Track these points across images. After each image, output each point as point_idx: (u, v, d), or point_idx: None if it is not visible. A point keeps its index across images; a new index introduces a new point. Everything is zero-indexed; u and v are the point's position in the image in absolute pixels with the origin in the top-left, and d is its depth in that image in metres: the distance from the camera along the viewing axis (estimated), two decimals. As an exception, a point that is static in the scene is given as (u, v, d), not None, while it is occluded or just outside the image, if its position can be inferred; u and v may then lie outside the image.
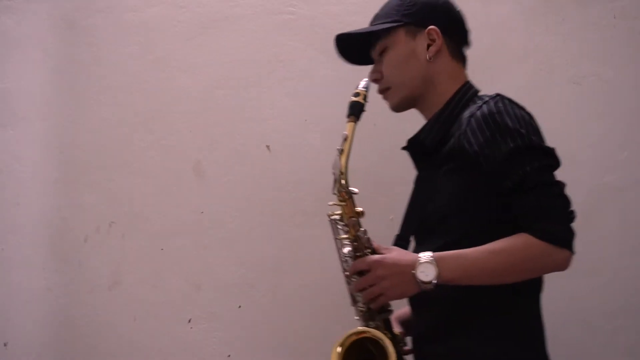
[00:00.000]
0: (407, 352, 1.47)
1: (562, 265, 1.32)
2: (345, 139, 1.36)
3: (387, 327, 1.41)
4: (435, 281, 1.27)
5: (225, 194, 2.02)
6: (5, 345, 2.02)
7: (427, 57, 1.46)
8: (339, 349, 1.32)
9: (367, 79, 1.47)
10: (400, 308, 1.54)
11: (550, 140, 1.96)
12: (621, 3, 1.99)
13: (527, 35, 2.00)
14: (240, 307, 1.99)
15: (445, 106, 1.46)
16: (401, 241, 1.47)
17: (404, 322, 1.55)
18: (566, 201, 1.33)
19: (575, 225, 1.94)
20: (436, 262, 1.28)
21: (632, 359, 1.90)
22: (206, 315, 1.99)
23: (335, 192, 1.37)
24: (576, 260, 1.93)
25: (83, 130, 2.07)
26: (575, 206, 1.93)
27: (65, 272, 2.03)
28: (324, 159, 1.97)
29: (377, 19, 1.53)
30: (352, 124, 1.39)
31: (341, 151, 1.35)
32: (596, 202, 1.95)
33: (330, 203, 1.40)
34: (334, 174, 1.36)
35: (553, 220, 1.29)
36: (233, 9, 2.07)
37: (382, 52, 1.50)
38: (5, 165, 2.07)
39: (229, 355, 1.98)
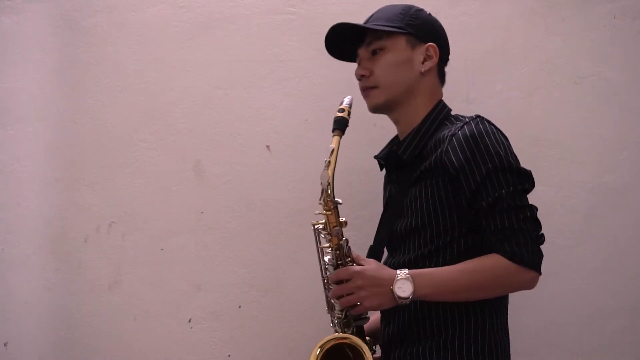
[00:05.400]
0: (377, 359, 1.56)
1: (529, 285, 1.41)
2: (332, 152, 1.42)
3: (359, 335, 1.47)
4: (411, 297, 1.34)
5: (225, 194, 2.02)
6: (5, 345, 2.02)
7: (422, 70, 1.53)
8: (317, 351, 1.39)
9: (350, 97, 1.52)
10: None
11: (550, 140, 1.97)
12: (621, 3, 1.99)
13: (527, 35, 2.00)
14: (240, 307, 1.99)
15: (422, 122, 1.53)
16: (374, 252, 1.55)
17: (370, 330, 1.60)
18: (536, 224, 1.40)
19: (575, 225, 1.95)
20: (413, 278, 1.35)
21: (632, 359, 1.90)
22: (206, 315, 1.99)
23: (322, 201, 1.44)
24: (576, 261, 1.94)
25: (83, 130, 2.07)
26: (575, 206, 1.95)
27: (65, 272, 2.03)
28: (324, 159, 1.98)
29: (378, 20, 1.56)
30: (338, 137, 1.45)
31: (328, 163, 1.41)
32: (596, 202, 1.95)
33: (317, 212, 1.46)
34: (321, 184, 1.41)
35: (522, 242, 1.35)
36: (233, 9, 2.07)
37: (376, 52, 1.55)
38: (5, 165, 2.07)
39: (229, 355, 1.98)
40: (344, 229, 1.45)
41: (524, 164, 1.46)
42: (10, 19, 2.11)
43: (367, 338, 1.52)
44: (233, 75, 2.05)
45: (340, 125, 1.46)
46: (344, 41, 1.60)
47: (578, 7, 2.00)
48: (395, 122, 1.61)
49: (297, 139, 2.02)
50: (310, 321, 1.94)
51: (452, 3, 2.02)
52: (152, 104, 2.06)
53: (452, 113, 1.57)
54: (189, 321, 1.99)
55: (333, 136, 1.46)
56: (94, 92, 2.08)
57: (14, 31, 2.10)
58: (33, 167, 2.07)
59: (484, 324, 1.42)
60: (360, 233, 1.89)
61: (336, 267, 1.43)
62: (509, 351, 1.48)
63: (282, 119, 2.03)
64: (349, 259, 1.43)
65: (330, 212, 1.44)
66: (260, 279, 1.99)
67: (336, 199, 1.43)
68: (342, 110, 1.48)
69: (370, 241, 1.60)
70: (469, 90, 1.99)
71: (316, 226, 1.50)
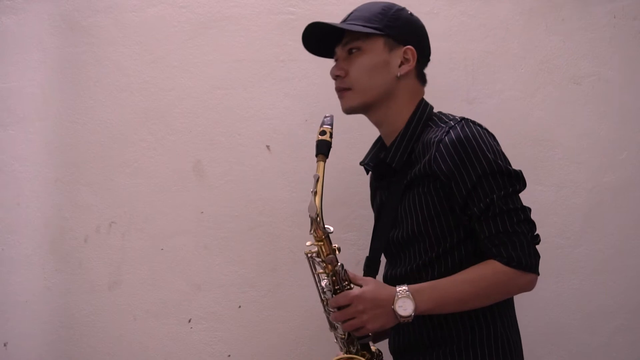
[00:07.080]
0: None
1: (528, 287, 1.40)
2: (317, 180, 1.37)
3: (364, 348, 1.46)
4: (413, 314, 1.33)
5: (225, 194, 2.02)
6: (5, 345, 2.02)
7: (397, 74, 1.49)
8: None
9: (329, 115, 1.47)
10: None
11: (550, 140, 1.97)
12: (621, 3, 1.99)
13: (527, 35, 2.01)
14: (240, 307, 1.99)
15: (407, 126, 1.49)
16: (371, 263, 1.53)
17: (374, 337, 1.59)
18: (530, 225, 1.38)
19: (575, 225, 1.95)
20: (413, 295, 1.33)
21: (632, 358, 1.91)
22: (206, 315, 1.99)
23: (312, 232, 1.41)
24: (577, 261, 1.94)
25: (83, 130, 2.07)
26: (575, 206, 1.95)
27: (65, 272, 2.03)
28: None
29: (356, 19, 1.51)
30: (322, 163, 1.40)
31: (315, 193, 1.37)
32: (596, 202, 1.95)
33: (308, 243, 1.44)
34: (310, 216, 1.38)
35: (517, 246, 1.34)
36: (233, 9, 2.07)
37: (352, 51, 1.51)
38: (5, 165, 2.07)
39: (229, 355, 1.98)
40: (338, 255, 1.42)
41: (524, 164, 1.46)
42: (10, 19, 2.11)
43: (374, 348, 1.50)
44: (233, 75, 2.05)
45: (324, 150, 1.41)
46: (322, 38, 1.56)
47: (578, 7, 2.00)
48: (377, 124, 1.57)
49: (297, 139, 2.02)
50: (310, 321, 1.94)
51: (451, 3, 2.02)
52: (152, 104, 2.06)
53: (445, 112, 1.53)
54: (189, 321, 1.99)
55: (317, 161, 1.40)
56: (94, 92, 2.08)
57: (14, 31, 2.10)
58: (33, 167, 2.06)
59: (496, 325, 1.41)
60: (361, 233, 1.90)
61: (334, 292, 1.40)
62: (521, 346, 1.48)
63: (282, 119, 2.03)
64: (346, 282, 1.40)
65: (322, 242, 1.41)
66: (260, 279, 1.99)
67: (326, 227, 1.40)
68: (324, 133, 1.42)
69: (370, 241, 1.60)
70: (469, 90, 1.99)
71: (309, 255, 1.45)
